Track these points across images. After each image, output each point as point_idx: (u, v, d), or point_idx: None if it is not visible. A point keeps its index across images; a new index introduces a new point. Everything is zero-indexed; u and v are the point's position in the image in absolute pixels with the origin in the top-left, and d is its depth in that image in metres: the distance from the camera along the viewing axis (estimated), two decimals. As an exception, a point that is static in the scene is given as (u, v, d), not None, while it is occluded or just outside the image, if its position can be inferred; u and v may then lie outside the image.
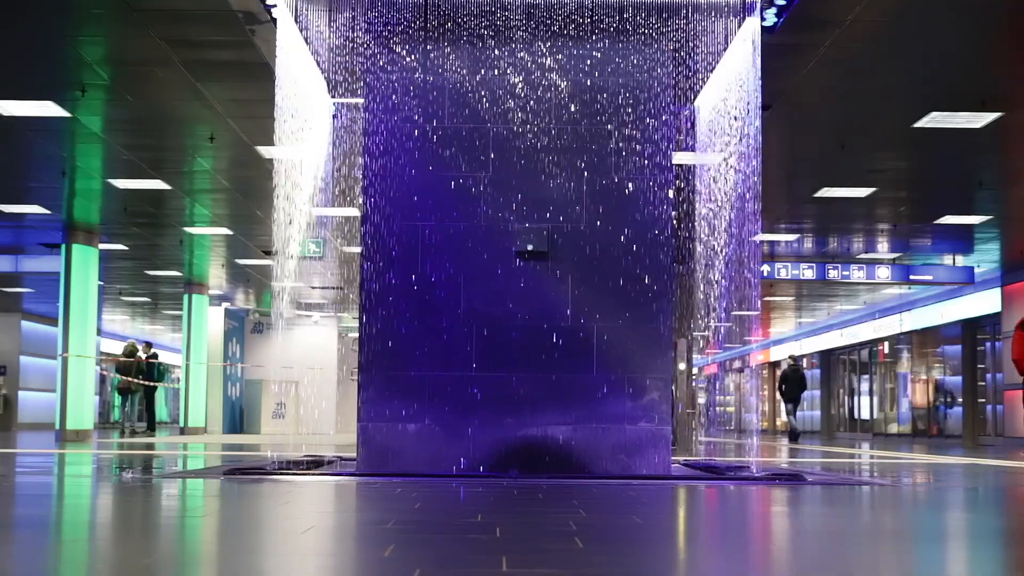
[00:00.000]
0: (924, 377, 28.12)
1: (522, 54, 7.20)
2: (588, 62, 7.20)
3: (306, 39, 7.46)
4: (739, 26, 7.23)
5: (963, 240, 18.11)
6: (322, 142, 10.26)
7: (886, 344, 30.66)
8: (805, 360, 37.86)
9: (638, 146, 7.14)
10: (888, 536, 3.71)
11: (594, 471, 6.88)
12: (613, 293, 7.04)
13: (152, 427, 21.28)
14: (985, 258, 19.90)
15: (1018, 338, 13.03)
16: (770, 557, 3.14)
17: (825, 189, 14.39)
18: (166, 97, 10.61)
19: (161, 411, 38.69)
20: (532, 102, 7.17)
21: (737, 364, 47.37)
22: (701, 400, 51.74)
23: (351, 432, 21.69)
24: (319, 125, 9.01)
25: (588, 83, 7.20)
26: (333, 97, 8.50)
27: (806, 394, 38.52)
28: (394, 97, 7.18)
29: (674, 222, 7.17)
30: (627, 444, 6.95)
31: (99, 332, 28.97)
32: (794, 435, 22.51)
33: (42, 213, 16.20)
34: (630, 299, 7.04)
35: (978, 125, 11.16)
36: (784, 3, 7.31)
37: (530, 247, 7.04)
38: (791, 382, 23.14)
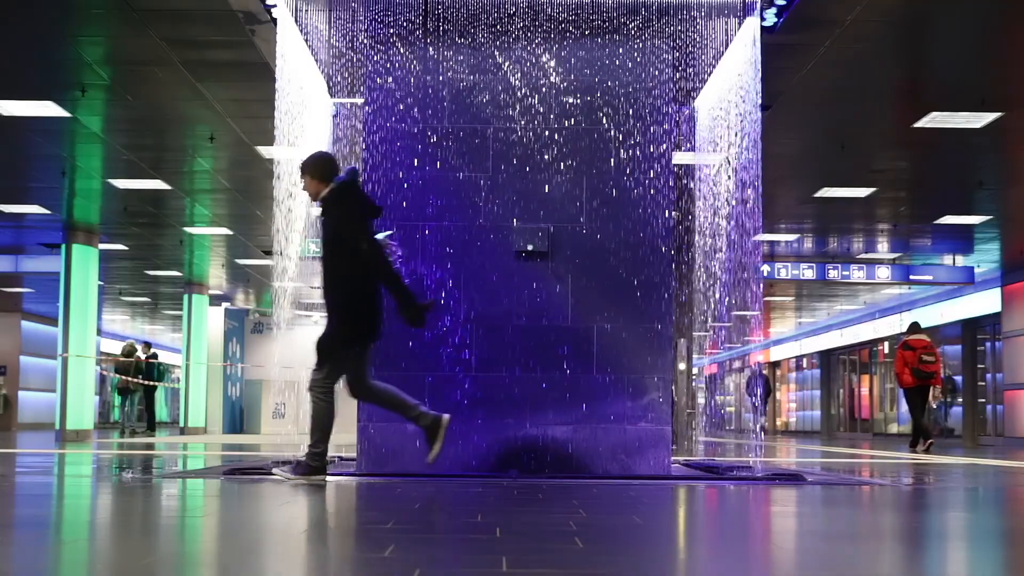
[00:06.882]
0: (924, 377, 28.09)
1: (522, 54, 7.20)
2: (588, 62, 7.20)
3: (306, 39, 7.45)
4: (739, 26, 7.22)
5: (963, 240, 18.10)
6: (322, 142, 10.25)
7: (886, 344, 30.66)
8: (805, 360, 38.00)
9: (638, 146, 7.13)
10: (888, 536, 3.70)
11: (594, 471, 6.88)
12: (613, 293, 7.03)
13: (152, 427, 21.29)
14: (985, 258, 19.90)
15: (899, 356, 13.88)
16: (770, 557, 3.14)
17: (825, 189, 14.40)
18: (166, 97, 10.61)
19: (161, 411, 38.70)
20: (532, 102, 7.17)
21: (737, 364, 47.39)
22: (701, 400, 51.78)
23: (351, 432, 21.67)
24: (319, 125, 9.00)
25: (588, 83, 7.19)
26: (333, 97, 8.50)
27: (806, 393, 39.00)
28: (394, 97, 7.18)
29: (673, 222, 7.16)
30: (627, 444, 6.95)
31: (99, 332, 28.96)
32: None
33: (42, 213, 16.19)
34: (630, 299, 7.03)
35: (978, 125, 11.15)
36: (784, 3, 7.31)
37: (530, 247, 7.03)
38: (763, 385, 24.79)
